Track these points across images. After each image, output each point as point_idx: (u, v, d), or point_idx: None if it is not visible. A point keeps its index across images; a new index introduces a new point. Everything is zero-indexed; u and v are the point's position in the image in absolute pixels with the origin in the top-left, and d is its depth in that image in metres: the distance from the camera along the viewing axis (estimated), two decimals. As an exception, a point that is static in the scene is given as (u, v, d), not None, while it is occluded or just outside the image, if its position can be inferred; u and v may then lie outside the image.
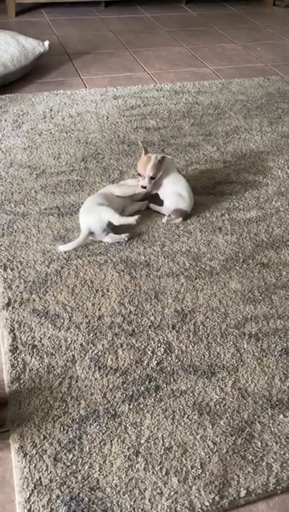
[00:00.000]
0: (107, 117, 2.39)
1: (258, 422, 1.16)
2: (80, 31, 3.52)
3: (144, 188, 1.70)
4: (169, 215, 1.73)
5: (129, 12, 3.98)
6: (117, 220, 1.58)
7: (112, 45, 3.31)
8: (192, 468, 1.07)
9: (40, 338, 1.32)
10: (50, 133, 2.23)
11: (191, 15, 4.02)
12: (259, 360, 1.30)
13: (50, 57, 2.95)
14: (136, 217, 1.60)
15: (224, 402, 1.20)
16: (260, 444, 1.12)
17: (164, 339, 1.34)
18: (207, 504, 1.01)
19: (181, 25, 3.76)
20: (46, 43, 2.80)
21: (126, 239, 1.62)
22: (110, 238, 1.62)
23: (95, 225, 1.58)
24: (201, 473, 1.06)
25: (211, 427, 1.15)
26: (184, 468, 1.07)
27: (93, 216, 1.59)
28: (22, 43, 2.71)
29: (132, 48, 3.28)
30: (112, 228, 1.60)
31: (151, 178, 1.69)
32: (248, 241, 1.70)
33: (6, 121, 2.30)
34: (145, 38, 3.48)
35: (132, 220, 1.59)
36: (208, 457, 1.09)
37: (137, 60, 3.10)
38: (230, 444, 1.12)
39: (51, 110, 2.41)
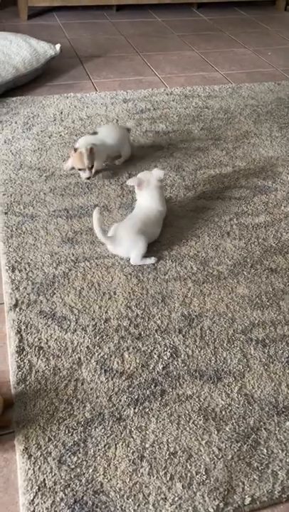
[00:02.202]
0: (117, 120, 2.40)
1: (264, 428, 1.15)
2: (92, 35, 3.54)
3: (89, 178, 1.88)
4: None
5: (141, 16, 3.99)
6: (141, 261, 1.57)
7: (123, 49, 3.33)
8: (197, 474, 1.06)
9: (47, 340, 1.32)
10: (60, 135, 2.24)
11: (202, 19, 4.03)
12: (266, 367, 1.29)
13: (62, 61, 2.97)
14: (153, 259, 1.58)
15: (230, 408, 1.19)
16: (265, 451, 1.11)
17: (170, 343, 1.33)
18: (211, 511, 1.00)
19: (192, 29, 3.77)
20: (58, 46, 2.82)
21: (153, 262, 1.58)
22: (137, 260, 1.57)
23: (136, 257, 1.56)
24: (206, 479, 1.05)
25: (216, 432, 1.14)
26: (189, 474, 1.06)
27: (135, 247, 1.55)
28: (34, 46, 2.73)
29: (142, 52, 3.29)
30: None
31: (91, 167, 1.86)
32: (256, 246, 1.69)
33: (16, 123, 2.31)
34: (156, 42, 3.49)
35: (151, 261, 1.58)
36: (213, 463, 1.08)
37: (147, 64, 3.11)
38: (235, 450, 1.11)
39: (61, 113, 2.43)
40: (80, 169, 1.87)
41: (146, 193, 1.68)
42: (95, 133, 1.98)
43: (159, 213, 1.69)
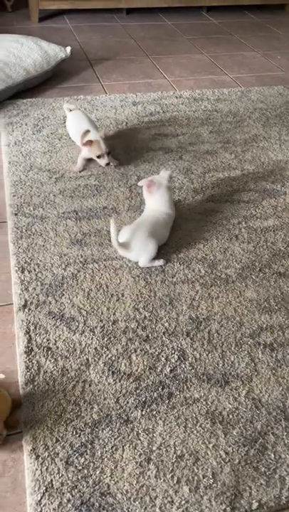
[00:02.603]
0: (126, 123, 2.40)
1: (272, 433, 1.15)
2: (102, 38, 3.55)
3: (108, 164, 1.98)
4: None
5: (151, 19, 4.01)
6: (149, 263, 1.58)
7: (132, 52, 3.34)
8: (204, 478, 1.06)
9: (55, 341, 1.32)
10: (70, 138, 2.25)
11: (212, 23, 4.03)
12: (274, 371, 1.29)
13: (72, 63, 2.99)
14: (162, 261, 1.58)
15: (237, 412, 1.19)
16: (273, 456, 1.11)
17: (178, 346, 1.33)
18: (218, 514, 1.00)
19: (201, 32, 3.78)
20: (68, 49, 2.83)
21: (161, 264, 1.59)
22: (146, 263, 1.57)
23: (145, 259, 1.56)
24: (213, 483, 1.05)
25: (223, 436, 1.14)
26: (196, 478, 1.06)
27: (146, 250, 1.55)
28: (44, 48, 2.75)
29: (152, 55, 3.30)
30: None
31: (108, 153, 1.97)
32: (264, 250, 1.69)
33: (26, 125, 2.33)
34: (166, 45, 3.50)
35: (160, 263, 1.58)
36: (220, 467, 1.08)
37: (157, 67, 3.12)
38: (242, 454, 1.11)
39: (71, 115, 2.44)
40: (98, 156, 1.96)
41: (157, 196, 1.69)
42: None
43: (168, 216, 1.69)
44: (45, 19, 3.80)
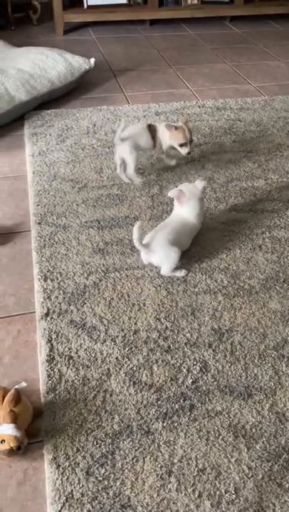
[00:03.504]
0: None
1: (296, 449, 1.12)
2: (125, 49, 3.60)
3: (189, 153, 1.99)
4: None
5: (174, 30, 4.04)
6: (171, 272, 1.58)
7: (155, 62, 3.37)
8: (226, 493, 1.04)
9: (77, 350, 1.33)
10: (93, 148, 2.28)
11: (235, 32, 4.03)
12: (298, 384, 1.26)
13: (96, 74, 3.03)
14: (184, 272, 1.58)
15: (260, 426, 1.16)
16: (297, 472, 1.08)
17: (200, 357, 1.32)
18: (241, 532, 0.98)
19: (225, 42, 3.78)
20: (92, 60, 2.88)
21: (183, 275, 1.58)
22: (168, 271, 1.57)
23: (167, 268, 1.56)
24: (235, 498, 1.03)
25: (246, 450, 1.11)
26: (218, 492, 1.04)
27: (168, 258, 1.55)
28: (69, 60, 2.80)
29: (175, 65, 3.32)
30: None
31: (190, 141, 1.97)
32: None
33: (50, 135, 2.36)
34: (189, 55, 3.51)
35: (181, 273, 1.58)
36: (243, 482, 1.06)
37: (179, 77, 3.14)
38: (266, 470, 1.08)
39: (94, 125, 2.47)
40: (181, 145, 1.96)
41: (186, 207, 1.66)
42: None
43: (195, 228, 1.68)
44: (70, 31, 3.88)
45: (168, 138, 1.98)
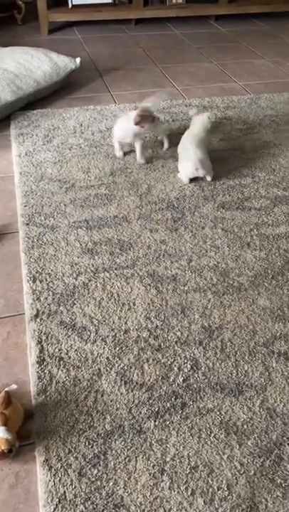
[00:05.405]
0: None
1: (287, 444, 1.13)
2: (111, 48, 3.59)
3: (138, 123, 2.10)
4: None
5: (159, 29, 4.04)
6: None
7: (141, 62, 3.36)
8: (218, 490, 1.04)
9: (67, 351, 1.32)
10: (80, 147, 2.27)
11: (220, 31, 4.05)
12: (288, 380, 1.27)
13: (81, 74, 3.02)
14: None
15: (252, 422, 1.17)
16: (289, 467, 1.09)
17: (190, 355, 1.32)
18: (234, 528, 0.98)
19: (210, 41, 3.79)
20: (78, 60, 2.86)
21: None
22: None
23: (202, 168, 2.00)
24: (228, 495, 1.03)
25: (238, 447, 1.12)
26: (210, 489, 1.04)
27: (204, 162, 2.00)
28: (54, 60, 2.78)
29: (161, 64, 3.32)
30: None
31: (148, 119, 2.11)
32: (277, 257, 1.67)
33: (37, 135, 2.35)
34: (174, 54, 3.52)
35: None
36: (235, 478, 1.06)
37: (166, 76, 3.14)
38: (258, 465, 1.09)
39: (81, 125, 2.46)
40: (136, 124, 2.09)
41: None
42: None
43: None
44: (55, 31, 3.86)
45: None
